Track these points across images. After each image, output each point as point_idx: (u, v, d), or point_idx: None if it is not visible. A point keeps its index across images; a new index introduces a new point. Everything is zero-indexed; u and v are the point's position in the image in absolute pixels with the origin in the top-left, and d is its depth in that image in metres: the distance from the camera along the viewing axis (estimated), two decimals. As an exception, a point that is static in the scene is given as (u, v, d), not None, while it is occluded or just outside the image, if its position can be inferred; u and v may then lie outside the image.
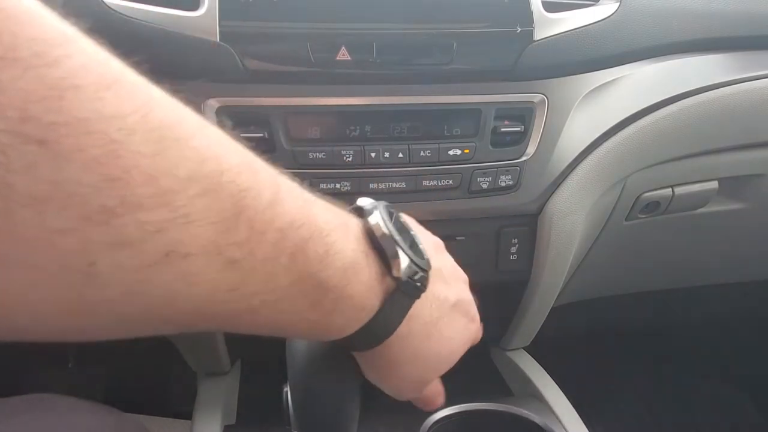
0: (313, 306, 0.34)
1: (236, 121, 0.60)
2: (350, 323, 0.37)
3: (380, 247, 0.37)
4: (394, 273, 0.37)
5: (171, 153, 0.27)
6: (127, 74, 0.28)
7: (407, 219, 0.44)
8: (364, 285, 0.36)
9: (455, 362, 0.45)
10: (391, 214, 0.40)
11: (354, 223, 0.38)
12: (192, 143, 0.28)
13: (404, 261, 0.37)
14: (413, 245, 0.40)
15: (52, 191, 0.24)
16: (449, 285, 0.44)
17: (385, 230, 0.37)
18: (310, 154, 0.60)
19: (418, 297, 0.39)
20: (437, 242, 0.47)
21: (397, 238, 0.38)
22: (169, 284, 0.28)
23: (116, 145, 0.25)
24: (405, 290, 0.38)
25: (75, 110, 0.24)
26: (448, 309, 0.43)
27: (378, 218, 0.38)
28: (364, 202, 0.40)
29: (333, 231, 0.35)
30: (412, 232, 0.41)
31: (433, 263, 0.42)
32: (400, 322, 0.39)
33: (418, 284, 0.39)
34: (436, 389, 0.49)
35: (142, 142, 0.26)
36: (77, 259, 0.25)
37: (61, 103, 0.23)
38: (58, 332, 0.28)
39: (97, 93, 0.25)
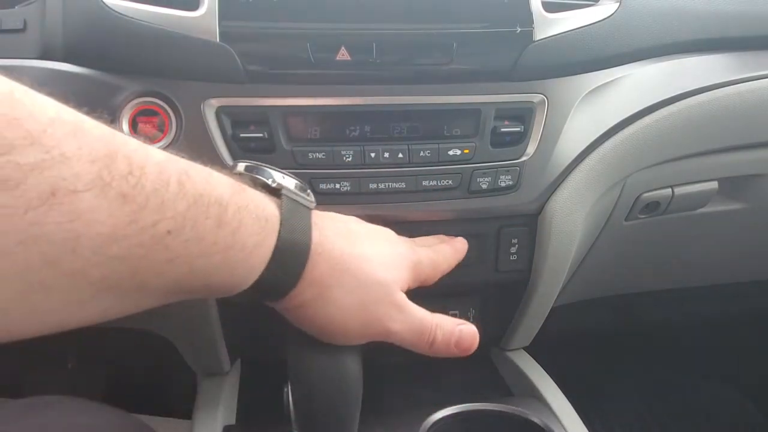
0: (219, 225, 0.36)
1: (236, 122, 0.60)
2: (262, 239, 0.39)
3: (250, 175, 0.44)
4: (272, 184, 0.43)
5: (27, 99, 0.29)
6: None
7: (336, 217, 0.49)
8: (254, 197, 0.40)
9: (404, 259, 0.49)
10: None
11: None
12: (43, 96, 0.31)
13: (276, 174, 0.44)
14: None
15: None
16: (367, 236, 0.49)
17: (247, 163, 0.45)
18: (309, 154, 0.60)
19: (310, 205, 0.44)
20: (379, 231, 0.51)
21: (256, 163, 0.45)
22: (64, 225, 0.29)
23: None
24: (292, 198, 0.43)
25: None
26: (361, 229, 0.49)
27: (241, 162, 0.46)
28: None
29: (206, 168, 0.38)
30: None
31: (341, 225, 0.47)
32: (308, 229, 0.42)
33: (304, 195, 0.44)
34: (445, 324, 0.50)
35: None
36: None
37: None
38: (19, 327, 0.30)
39: None
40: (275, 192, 0.43)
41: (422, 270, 0.51)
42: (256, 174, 0.43)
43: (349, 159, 0.61)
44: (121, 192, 0.31)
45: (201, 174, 0.37)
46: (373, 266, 0.45)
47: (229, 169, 0.42)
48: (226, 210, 0.37)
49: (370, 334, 0.46)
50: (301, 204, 0.43)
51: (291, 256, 0.40)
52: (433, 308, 0.76)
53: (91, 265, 0.31)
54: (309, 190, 0.45)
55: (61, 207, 0.28)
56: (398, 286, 0.47)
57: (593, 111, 0.68)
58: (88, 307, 0.32)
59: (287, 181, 0.44)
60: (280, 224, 0.40)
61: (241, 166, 0.44)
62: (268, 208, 0.40)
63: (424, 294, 0.75)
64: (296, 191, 0.43)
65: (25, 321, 0.30)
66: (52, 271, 0.29)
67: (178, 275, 0.35)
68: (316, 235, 0.42)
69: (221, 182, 0.38)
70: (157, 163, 0.34)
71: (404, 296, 0.47)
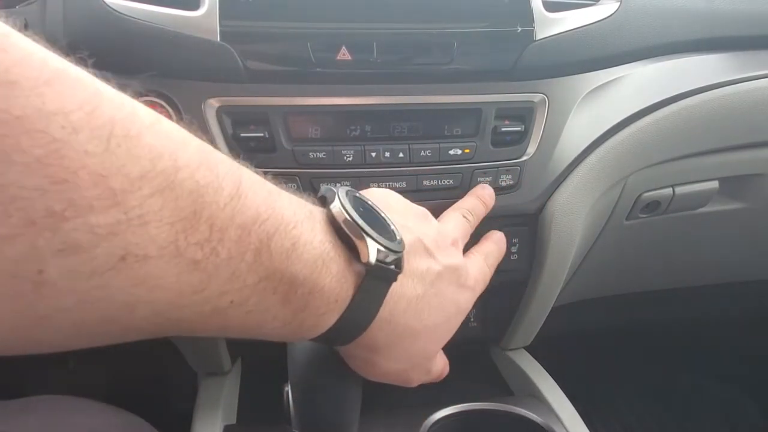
0: (284, 303, 0.33)
1: (236, 121, 0.60)
2: (324, 318, 0.36)
3: (345, 236, 0.36)
4: (363, 260, 0.36)
5: (120, 151, 0.25)
6: (69, 69, 0.26)
7: (378, 196, 0.43)
8: (335, 276, 0.35)
9: (453, 331, 0.46)
10: (354, 198, 0.38)
11: (318, 212, 0.36)
12: (144, 140, 0.27)
13: (372, 246, 0.35)
14: (382, 227, 0.38)
15: None
16: (432, 255, 0.43)
17: (347, 216, 0.36)
18: (310, 153, 0.60)
19: (394, 279, 0.38)
20: (419, 212, 0.46)
21: (361, 222, 0.36)
22: (128, 290, 0.26)
23: (59, 144, 0.23)
24: (378, 275, 0.36)
25: (11, 108, 0.22)
26: (433, 280, 0.42)
27: (338, 205, 0.36)
28: (324, 190, 0.39)
29: (299, 223, 0.33)
30: (381, 214, 0.39)
31: (411, 236, 0.41)
32: (378, 308, 0.38)
33: (392, 267, 0.37)
34: (441, 363, 0.49)
35: (89, 140, 0.24)
36: (25, 267, 0.23)
37: None
38: (13, 346, 0.26)
39: (35, 89, 0.23)
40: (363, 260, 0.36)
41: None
42: (353, 234, 0.36)
43: (350, 159, 0.61)
44: (194, 259, 0.28)
45: (285, 243, 0.32)
46: (426, 342, 0.43)
47: (328, 209, 0.36)
48: (296, 291, 0.33)
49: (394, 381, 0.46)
50: (384, 279, 0.37)
51: (347, 330, 0.37)
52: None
53: (147, 324, 0.29)
54: (402, 251, 0.38)
55: (128, 272, 0.26)
56: (440, 351, 0.47)
57: (594, 110, 0.68)
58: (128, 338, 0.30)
59: (395, 245, 0.37)
60: (348, 307, 0.36)
61: (342, 211, 0.36)
62: (344, 288, 0.35)
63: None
64: (386, 264, 0.36)
65: (58, 347, 0.28)
66: (107, 327, 0.27)
67: (223, 332, 0.33)
68: (385, 312, 0.38)
69: (305, 257, 0.33)
70: (240, 226, 0.30)
71: (437, 357, 0.48)
